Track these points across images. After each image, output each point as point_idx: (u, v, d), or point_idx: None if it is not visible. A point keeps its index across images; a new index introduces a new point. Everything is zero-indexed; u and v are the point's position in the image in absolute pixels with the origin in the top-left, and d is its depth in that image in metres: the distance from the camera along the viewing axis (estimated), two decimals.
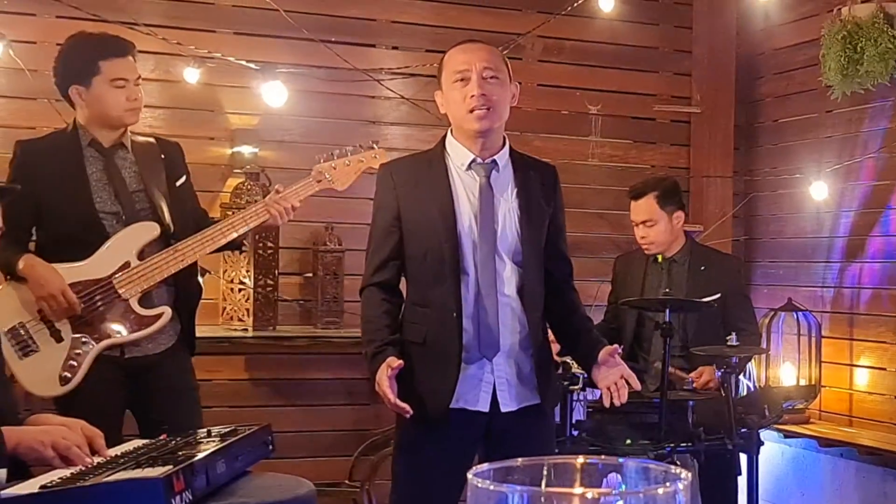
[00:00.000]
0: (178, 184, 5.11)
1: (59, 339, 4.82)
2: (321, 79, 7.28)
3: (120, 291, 4.84)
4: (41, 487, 3.27)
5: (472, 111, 4.28)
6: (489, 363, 4.33)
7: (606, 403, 4.36)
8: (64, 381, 4.78)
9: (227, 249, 5.46)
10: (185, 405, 4.96)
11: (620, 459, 1.74)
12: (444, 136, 4.49)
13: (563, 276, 4.59)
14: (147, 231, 4.92)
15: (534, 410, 4.44)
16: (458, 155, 4.40)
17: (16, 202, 4.67)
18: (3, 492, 3.30)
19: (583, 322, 4.63)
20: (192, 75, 6.86)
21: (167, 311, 4.91)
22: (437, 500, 4.44)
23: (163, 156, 5.13)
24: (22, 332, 4.83)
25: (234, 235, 5.01)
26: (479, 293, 4.31)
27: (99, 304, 4.83)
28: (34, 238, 5.06)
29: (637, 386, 4.41)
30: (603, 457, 1.71)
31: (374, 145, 5.36)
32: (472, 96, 4.26)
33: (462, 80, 4.30)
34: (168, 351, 5.03)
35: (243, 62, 6.93)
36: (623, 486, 1.68)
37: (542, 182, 4.51)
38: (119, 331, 4.85)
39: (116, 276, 4.84)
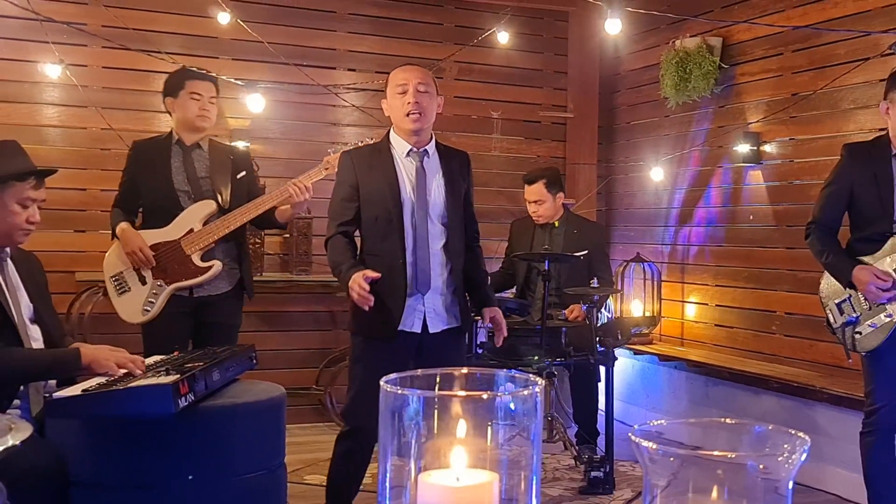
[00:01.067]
0: (238, 176, 5.16)
1: (144, 283, 4.97)
2: (295, 92, 7.26)
3: (185, 249, 4.95)
4: (83, 391, 3.29)
5: (408, 115, 4.36)
6: (422, 297, 4.39)
7: (497, 343, 4.58)
8: (145, 312, 4.94)
9: (274, 227, 5.46)
10: (228, 337, 5.01)
11: (495, 371, 1.76)
12: (388, 132, 4.53)
13: (472, 234, 4.65)
14: (207, 206, 5.02)
15: (454, 332, 4.51)
16: (399, 146, 4.45)
17: (127, 182, 5.09)
18: (54, 394, 3.32)
19: (482, 276, 4.72)
20: None
21: (217, 264, 4.99)
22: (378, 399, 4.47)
23: (232, 157, 5.23)
24: (120, 277, 4.99)
25: (266, 207, 5.06)
26: (416, 245, 4.36)
27: (170, 258, 4.96)
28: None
29: (504, 334, 4.57)
30: (481, 369, 1.73)
31: (370, 140, 5.36)
32: (409, 104, 4.35)
33: (402, 92, 4.38)
34: (224, 294, 5.09)
35: (231, 80, 6.84)
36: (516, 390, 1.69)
37: (460, 165, 4.58)
38: (183, 276, 4.96)
39: (183, 238, 4.96)
